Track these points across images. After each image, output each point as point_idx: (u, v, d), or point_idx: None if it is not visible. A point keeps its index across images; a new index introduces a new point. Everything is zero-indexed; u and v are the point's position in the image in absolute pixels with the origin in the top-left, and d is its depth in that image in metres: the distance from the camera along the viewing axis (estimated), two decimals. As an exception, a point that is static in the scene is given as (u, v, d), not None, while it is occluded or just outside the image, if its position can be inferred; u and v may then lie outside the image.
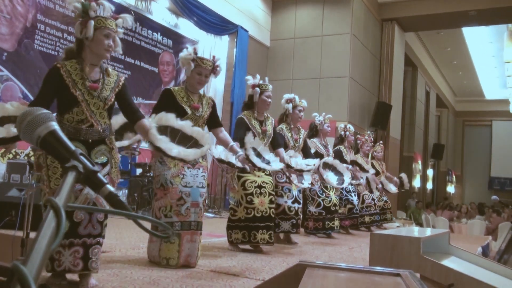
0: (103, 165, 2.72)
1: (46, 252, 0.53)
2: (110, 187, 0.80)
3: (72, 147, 0.80)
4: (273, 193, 4.48)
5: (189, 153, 2.94)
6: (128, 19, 2.83)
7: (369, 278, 1.07)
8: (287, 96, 5.41)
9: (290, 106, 5.31)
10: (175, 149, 2.87)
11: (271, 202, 4.37)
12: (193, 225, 3.37)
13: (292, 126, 5.33)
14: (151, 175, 7.92)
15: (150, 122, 2.89)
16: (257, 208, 4.24)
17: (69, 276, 2.73)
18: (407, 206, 14.94)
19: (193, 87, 3.67)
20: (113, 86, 2.78)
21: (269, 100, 4.59)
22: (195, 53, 3.62)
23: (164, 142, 2.84)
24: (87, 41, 2.66)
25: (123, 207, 0.77)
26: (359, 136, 8.13)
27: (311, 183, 5.41)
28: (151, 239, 3.44)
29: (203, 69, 3.61)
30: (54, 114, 2.88)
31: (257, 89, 4.52)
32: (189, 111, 3.55)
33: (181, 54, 3.63)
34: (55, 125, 0.82)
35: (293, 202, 5.06)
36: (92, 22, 2.63)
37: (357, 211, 7.16)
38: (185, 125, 3.11)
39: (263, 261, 3.90)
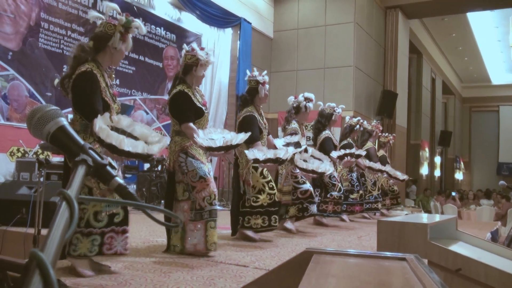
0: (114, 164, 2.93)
1: (61, 241, 0.56)
2: (119, 180, 0.82)
3: (81, 141, 0.82)
4: None
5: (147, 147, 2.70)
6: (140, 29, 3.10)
7: (375, 263, 1.09)
8: (307, 94, 5.51)
9: (311, 105, 5.45)
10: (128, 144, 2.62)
11: None
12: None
13: (301, 123, 5.53)
14: (159, 169, 7.99)
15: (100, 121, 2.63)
16: (276, 194, 4.54)
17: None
18: (408, 193, 14.84)
19: (197, 84, 3.78)
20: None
21: None
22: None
23: (114, 137, 2.58)
24: (114, 49, 2.91)
25: (132, 199, 0.80)
26: (374, 124, 8.23)
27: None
28: (194, 227, 3.49)
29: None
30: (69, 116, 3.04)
31: (267, 86, 4.65)
32: (204, 110, 3.71)
33: (201, 56, 3.66)
34: (64, 121, 0.85)
35: (311, 187, 5.36)
36: (131, 37, 2.95)
37: (369, 197, 7.48)
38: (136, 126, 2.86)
39: (272, 251, 3.93)
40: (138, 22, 2.99)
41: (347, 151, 6.15)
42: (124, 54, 2.97)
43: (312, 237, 5.06)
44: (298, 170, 5.23)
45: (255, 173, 4.45)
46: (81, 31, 7.66)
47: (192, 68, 3.67)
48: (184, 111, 3.60)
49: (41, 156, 6.32)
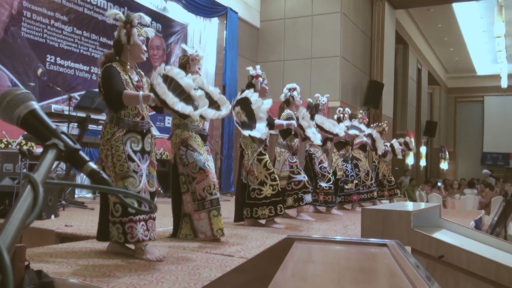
0: (149, 153, 3.17)
1: (21, 225, 0.54)
2: (92, 164, 0.80)
3: (53, 125, 0.80)
4: None
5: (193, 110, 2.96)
6: (149, 32, 3.32)
7: (357, 249, 1.08)
8: (290, 85, 5.83)
9: (295, 93, 5.72)
10: (179, 104, 2.87)
11: None
12: None
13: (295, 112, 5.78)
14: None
15: (157, 70, 2.97)
16: (278, 184, 4.80)
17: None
18: (400, 183, 15.01)
19: None
20: (147, 85, 3.24)
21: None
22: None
23: (169, 96, 2.85)
24: (128, 45, 3.11)
25: (106, 184, 0.78)
26: (361, 116, 8.39)
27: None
28: (199, 217, 3.74)
29: None
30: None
31: (260, 79, 4.91)
32: None
33: (191, 54, 3.98)
34: (35, 105, 0.82)
35: (305, 177, 5.70)
36: (136, 30, 3.11)
37: (363, 188, 7.68)
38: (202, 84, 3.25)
39: (258, 241, 3.93)
40: (138, 14, 3.19)
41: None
42: (140, 46, 3.14)
43: (298, 227, 5.08)
44: (295, 160, 5.65)
45: (259, 165, 4.72)
46: (65, 20, 7.54)
47: (185, 66, 3.95)
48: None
49: (24, 147, 6.23)
